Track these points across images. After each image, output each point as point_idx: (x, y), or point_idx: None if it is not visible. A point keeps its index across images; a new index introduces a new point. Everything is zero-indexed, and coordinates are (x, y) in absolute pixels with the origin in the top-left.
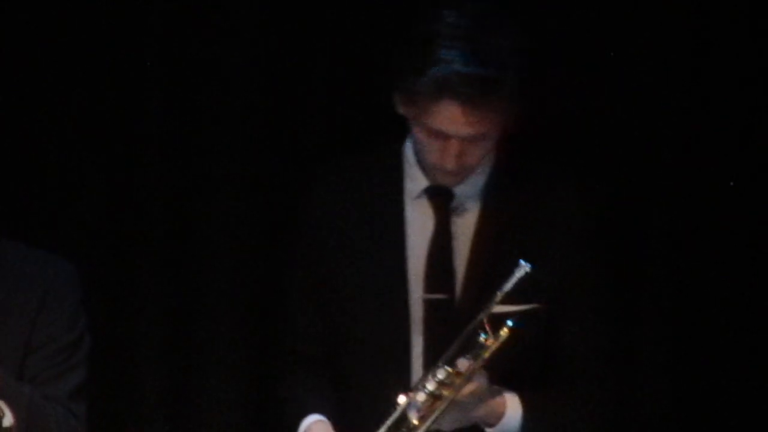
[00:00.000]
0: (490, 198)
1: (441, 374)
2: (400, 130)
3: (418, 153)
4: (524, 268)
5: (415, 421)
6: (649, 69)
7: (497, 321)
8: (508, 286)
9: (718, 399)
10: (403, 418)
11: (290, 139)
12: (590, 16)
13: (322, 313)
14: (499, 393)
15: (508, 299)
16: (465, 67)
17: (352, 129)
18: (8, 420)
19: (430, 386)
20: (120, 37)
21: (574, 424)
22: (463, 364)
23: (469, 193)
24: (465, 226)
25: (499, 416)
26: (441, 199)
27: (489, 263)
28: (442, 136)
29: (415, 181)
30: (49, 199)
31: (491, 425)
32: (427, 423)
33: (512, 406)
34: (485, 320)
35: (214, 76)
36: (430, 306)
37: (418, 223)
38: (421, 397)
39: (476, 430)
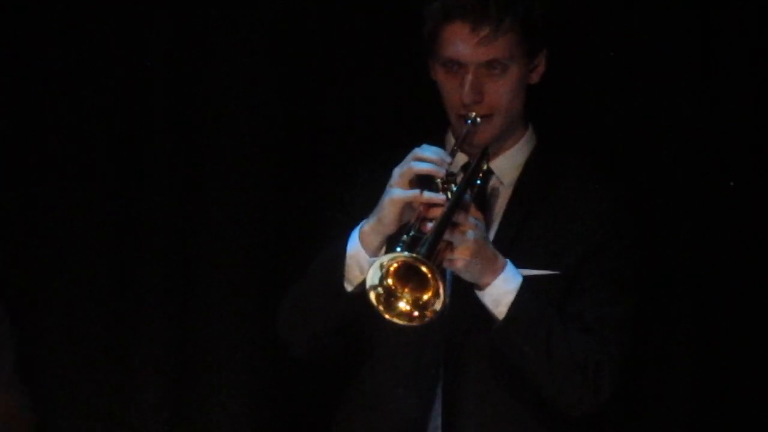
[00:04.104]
0: (525, 176)
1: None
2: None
3: (446, 110)
4: None
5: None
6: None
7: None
8: None
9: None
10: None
11: (291, 141)
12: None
13: None
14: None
15: (530, 263)
16: None
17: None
18: None
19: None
20: (127, 39)
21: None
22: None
23: (506, 168)
24: (499, 200)
25: (496, 270)
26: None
27: (515, 235)
28: (458, 68)
29: (457, 163)
30: (52, 198)
31: (487, 282)
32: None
33: (512, 269)
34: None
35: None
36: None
37: None
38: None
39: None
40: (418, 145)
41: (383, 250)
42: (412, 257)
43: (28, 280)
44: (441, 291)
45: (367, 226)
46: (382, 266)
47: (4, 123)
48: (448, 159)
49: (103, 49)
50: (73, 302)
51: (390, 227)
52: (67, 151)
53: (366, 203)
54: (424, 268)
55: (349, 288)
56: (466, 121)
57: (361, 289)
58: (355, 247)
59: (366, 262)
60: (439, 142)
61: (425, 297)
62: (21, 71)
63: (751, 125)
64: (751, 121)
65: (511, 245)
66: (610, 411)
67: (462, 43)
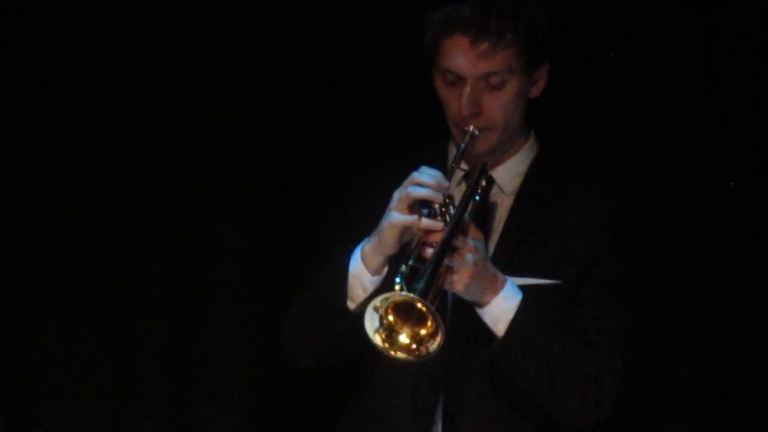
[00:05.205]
0: (527, 184)
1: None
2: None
3: (447, 122)
4: None
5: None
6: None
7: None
8: None
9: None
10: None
11: (291, 141)
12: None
13: None
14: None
15: (531, 272)
16: (473, 5)
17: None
18: None
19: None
20: (127, 39)
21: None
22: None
23: (508, 177)
24: (500, 209)
25: (496, 289)
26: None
27: (517, 244)
28: (457, 80)
29: (458, 173)
30: (52, 198)
31: (486, 301)
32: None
33: (512, 287)
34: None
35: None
36: None
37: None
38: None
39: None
40: (420, 151)
41: (385, 269)
42: (408, 297)
43: (28, 280)
44: (439, 329)
45: (368, 246)
46: (377, 309)
47: (4, 123)
48: (446, 184)
49: (103, 49)
50: (73, 303)
51: (390, 249)
52: (67, 151)
53: (368, 210)
54: (419, 306)
55: (351, 306)
56: (464, 134)
57: (363, 308)
58: (357, 266)
59: (368, 282)
60: (441, 150)
61: (423, 332)
62: (21, 71)
63: (751, 125)
64: (751, 121)
65: (513, 254)
66: (611, 414)
67: (461, 56)
